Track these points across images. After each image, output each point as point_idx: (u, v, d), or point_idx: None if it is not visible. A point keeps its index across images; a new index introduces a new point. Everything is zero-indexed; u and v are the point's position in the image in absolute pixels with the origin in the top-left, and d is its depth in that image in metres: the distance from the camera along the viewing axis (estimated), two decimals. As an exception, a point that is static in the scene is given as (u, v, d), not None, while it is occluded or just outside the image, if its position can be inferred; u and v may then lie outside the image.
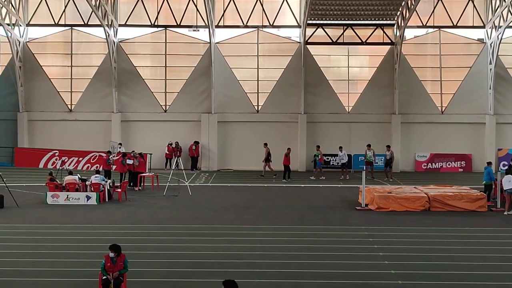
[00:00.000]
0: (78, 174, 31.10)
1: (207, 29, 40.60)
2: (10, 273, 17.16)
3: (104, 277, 14.60)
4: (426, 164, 41.60)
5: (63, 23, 42.02)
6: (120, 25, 41.80)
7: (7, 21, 39.41)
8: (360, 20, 40.81)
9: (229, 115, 41.86)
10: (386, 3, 38.56)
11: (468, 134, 41.72)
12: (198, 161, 41.32)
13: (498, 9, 39.18)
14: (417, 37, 42.39)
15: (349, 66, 42.41)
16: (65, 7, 41.82)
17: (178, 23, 41.82)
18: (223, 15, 41.87)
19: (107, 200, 29.17)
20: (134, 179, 33.20)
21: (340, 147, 38.97)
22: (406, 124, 41.63)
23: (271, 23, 41.81)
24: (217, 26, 41.73)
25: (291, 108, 41.70)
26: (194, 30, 42.02)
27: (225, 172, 40.83)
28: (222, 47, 41.94)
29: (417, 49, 42.34)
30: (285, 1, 41.68)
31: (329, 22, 41.07)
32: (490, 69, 40.87)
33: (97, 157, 38.93)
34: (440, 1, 41.51)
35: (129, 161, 33.12)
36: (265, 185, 35.14)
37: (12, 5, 39.96)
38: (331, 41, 41.49)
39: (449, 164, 41.50)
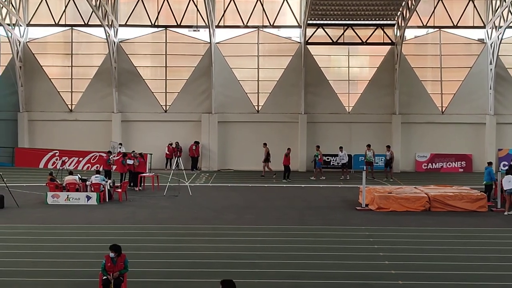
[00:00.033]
0: (78, 174, 31.10)
1: (208, 29, 40.60)
2: (11, 273, 17.17)
3: (105, 277, 14.60)
4: (426, 164, 41.60)
5: (64, 23, 42.01)
6: (120, 25, 41.80)
7: (7, 21, 39.42)
8: (360, 20, 40.81)
9: (230, 115, 41.86)
10: (387, 3, 38.57)
11: (468, 134, 41.72)
12: (198, 161, 41.32)
13: (499, 9, 39.18)
14: (417, 37, 42.38)
15: (350, 66, 42.40)
16: (66, 7, 41.82)
17: (179, 23, 41.82)
18: (223, 15, 41.87)
19: (107, 200, 29.17)
20: (134, 179, 33.20)
21: (341, 147, 38.96)
22: (407, 124, 41.62)
23: (272, 23, 41.82)
24: (218, 26, 41.73)
25: (292, 108, 41.70)
26: (194, 30, 42.02)
27: (225, 172, 40.83)
28: (223, 47, 41.94)
29: (418, 49, 42.33)
30: (285, 1, 41.68)
31: (329, 22, 41.07)
32: (491, 69, 40.87)
33: (97, 157, 38.96)
34: (440, 1, 41.52)
35: (130, 161, 33.12)
36: (266, 185, 35.14)
37: (12, 5, 39.97)
38: (331, 41, 41.49)
39: (449, 164, 41.50)
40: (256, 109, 42.17)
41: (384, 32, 41.52)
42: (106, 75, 41.55)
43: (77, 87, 42.28)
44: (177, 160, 33.40)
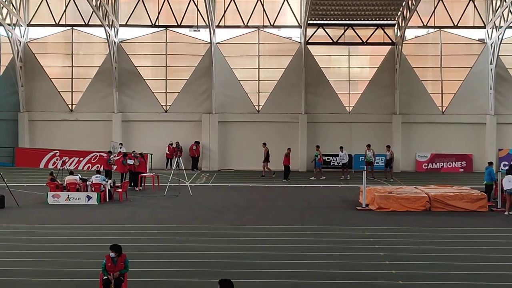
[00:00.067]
0: (79, 174, 31.11)
1: (208, 29, 40.62)
2: (11, 273, 17.18)
3: (105, 277, 14.61)
4: (426, 164, 41.60)
5: (64, 23, 42.01)
6: (120, 25, 41.81)
7: (8, 21, 39.42)
8: (360, 20, 40.80)
9: (230, 115, 41.86)
10: (387, 3, 38.57)
11: (468, 134, 41.72)
12: (198, 161, 41.32)
13: (499, 9, 39.18)
14: (417, 37, 42.37)
15: (350, 66, 42.40)
16: (66, 7, 41.82)
17: (179, 23, 41.83)
18: (223, 15, 41.87)
19: (107, 200, 29.19)
20: (134, 179, 33.20)
21: (341, 147, 38.96)
22: (407, 124, 41.62)
23: (272, 23, 41.82)
24: (218, 26, 41.72)
25: (292, 108, 41.70)
26: (194, 30, 42.03)
27: (225, 172, 40.84)
28: (223, 47, 41.94)
29: (418, 49, 42.33)
30: (285, 1, 41.68)
31: (329, 22, 41.07)
32: (491, 69, 40.86)
33: (97, 157, 38.98)
34: (440, 1, 41.51)
35: (130, 161, 33.12)
36: (266, 185, 35.14)
37: (13, 5, 39.98)
38: (331, 41, 41.48)
39: (449, 164, 41.50)
40: (257, 109, 42.18)
41: (385, 32, 41.52)
42: (106, 75, 41.56)
43: (78, 87, 42.28)
44: (177, 160, 33.40)
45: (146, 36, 42.27)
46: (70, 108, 42.32)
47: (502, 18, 39.10)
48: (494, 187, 28.97)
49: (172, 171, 33.85)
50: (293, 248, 20.23)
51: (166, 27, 42.04)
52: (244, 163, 41.30)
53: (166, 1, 41.65)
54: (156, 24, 42.00)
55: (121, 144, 38.79)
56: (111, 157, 34.18)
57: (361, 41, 41.42)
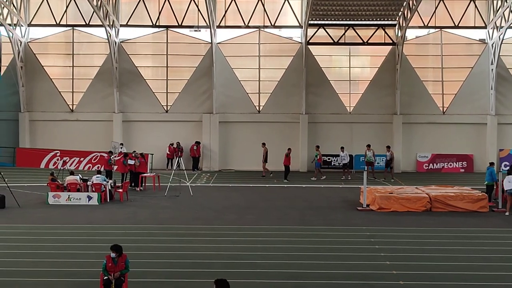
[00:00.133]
0: (79, 174, 31.09)
1: (209, 30, 40.62)
2: (12, 273, 17.18)
3: (106, 278, 14.61)
4: (427, 165, 41.58)
5: (65, 23, 42.01)
6: (121, 25, 41.82)
7: (8, 21, 39.43)
8: (361, 20, 40.79)
9: (231, 116, 41.86)
10: (388, 4, 38.56)
11: (469, 135, 41.70)
12: (199, 161, 41.32)
13: (500, 9, 39.17)
14: (418, 38, 42.36)
15: (351, 66, 42.40)
16: (67, 7, 41.82)
17: (180, 24, 41.83)
18: (224, 15, 41.86)
19: (108, 201, 29.19)
20: (135, 180, 33.20)
21: (342, 148, 38.94)
22: (408, 125, 41.60)
23: (273, 24, 41.81)
24: (219, 27, 41.72)
25: (293, 108, 41.69)
26: (195, 31, 42.04)
27: (226, 173, 40.83)
28: (224, 48, 41.94)
29: (419, 49, 42.31)
30: (286, 2, 41.68)
31: (330, 22, 41.06)
32: (492, 69, 40.84)
33: (98, 157, 39.00)
34: (441, 2, 41.50)
35: (131, 161, 33.12)
36: (267, 185, 35.14)
37: (13, 5, 39.99)
38: (332, 41, 41.47)
39: (450, 165, 41.48)
40: (257, 109, 42.17)
41: (385, 32, 41.51)
42: (107, 75, 41.56)
43: (78, 87, 42.29)
44: (178, 160, 33.39)
45: (147, 36, 42.27)
46: (71, 108, 42.33)
47: (503, 18, 39.08)
48: (495, 187, 28.96)
49: (172, 171, 33.84)
50: (293, 248, 20.23)
51: (167, 27, 42.04)
52: (244, 163, 41.29)
53: (167, 1, 41.65)
54: (157, 24, 42.00)
55: (121, 144, 38.80)
56: (111, 157, 34.17)
57: (362, 41, 41.41)
